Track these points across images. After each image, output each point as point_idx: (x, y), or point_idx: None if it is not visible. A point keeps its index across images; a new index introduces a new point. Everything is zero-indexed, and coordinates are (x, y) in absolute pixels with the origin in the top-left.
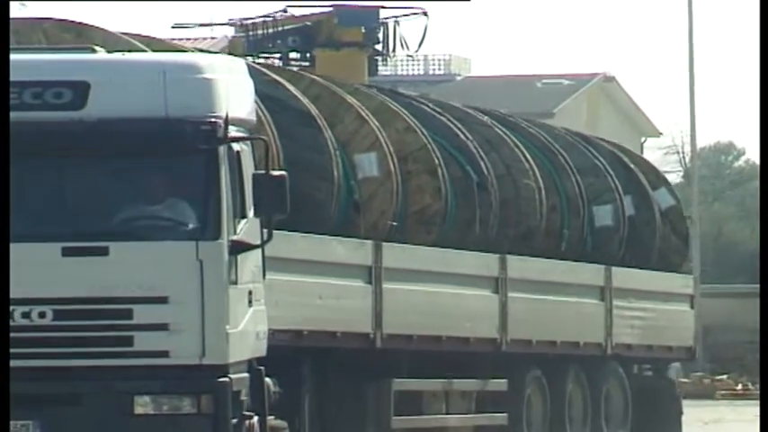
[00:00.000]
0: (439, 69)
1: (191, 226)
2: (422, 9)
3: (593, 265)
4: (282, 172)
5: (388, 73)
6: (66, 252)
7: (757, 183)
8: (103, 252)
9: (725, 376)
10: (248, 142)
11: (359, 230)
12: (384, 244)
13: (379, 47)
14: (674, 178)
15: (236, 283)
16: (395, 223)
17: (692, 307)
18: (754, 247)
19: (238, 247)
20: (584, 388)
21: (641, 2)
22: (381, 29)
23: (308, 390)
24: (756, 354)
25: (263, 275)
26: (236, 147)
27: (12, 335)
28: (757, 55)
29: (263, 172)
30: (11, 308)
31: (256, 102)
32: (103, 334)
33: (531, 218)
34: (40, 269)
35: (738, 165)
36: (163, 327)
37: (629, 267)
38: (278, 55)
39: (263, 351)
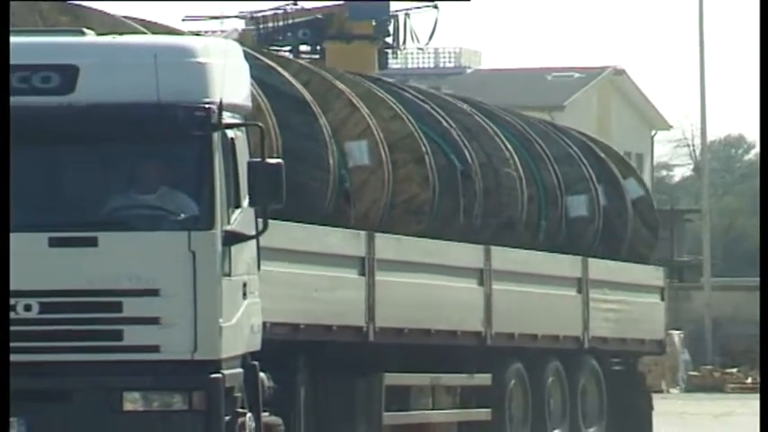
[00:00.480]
0: (449, 62)
1: (183, 215)
2: (432, 2)
3: (571, 257)
4: (278, 160)
5: (398, 66)
6: (54, 242)
7: None
8: (92, 242)
9: (735, 369)
10: (243, 129)
11: (349, 220)
12: (377, 234)
13: (389, 40)
14: (685, 171)
15: (229, 274)
16: (385, 206)
17: (662, 299)
18: None
19: (232, 238)
20: (563, 382)
21: None
22: (392, 22)
23: (303, 385)
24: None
25: (258, 267)
26: (230, 134)
27: None
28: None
29: (258, 160)
30: None
31: (254, 88)
32: (92, 328)
33: (513, 208)
34: (26, 260)
35: (748, 158)
36: (154, 320)
37: (602, 259)
38: (288, 48)
39: (258, 345)
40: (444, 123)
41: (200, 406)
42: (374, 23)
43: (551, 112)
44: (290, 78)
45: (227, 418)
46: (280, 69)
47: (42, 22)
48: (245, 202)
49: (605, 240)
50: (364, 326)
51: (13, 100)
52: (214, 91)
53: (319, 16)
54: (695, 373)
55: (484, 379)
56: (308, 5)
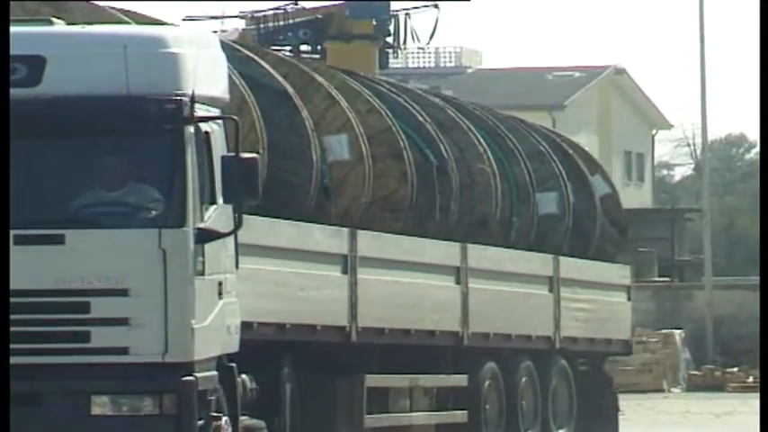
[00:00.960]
0: (450, 62)
1: (153, 212)
2: (433, 2)
3: (543, 255)
4: (253, 155)
5: (398, 66)
6: (18, 240)
7: None
8: (59, 240)
9: (736, 369)
10: (220, 123)
11: (329, 217)
12: (359, 231)
13: (390, 39)
14: (686, 171)
15: (203, 273)
16: (368, 200)
17: (629, 299)
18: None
19: (206, 236)
20: (535, 383)
21: None
22: (392, 21)
23: (287, 387)
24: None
25: (237, 265)
26: (205, 127)
27: None
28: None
29: (231, 155)
30: None
31: (238, 80)
32: (59, 329)
33: (486, 205)
34: None
35: (749, 157)
36: (122, 321)
37: (571, 257)
38: (288, 47)
39: (235, 347)
40: (419, 117)
41: (171, 410)
42: (375, 23)
43: (552, 111)
44: (271, 70)
45: (201, 422)
46: (260, 61)
47: (23, 13)
48: (221, 199)
49: (574, 238)
50: (347, 325)
51: None
52: (186, 83)
53: (320, 16)
54: (696, 373)
55: (460, 380)
56: (308, 5)
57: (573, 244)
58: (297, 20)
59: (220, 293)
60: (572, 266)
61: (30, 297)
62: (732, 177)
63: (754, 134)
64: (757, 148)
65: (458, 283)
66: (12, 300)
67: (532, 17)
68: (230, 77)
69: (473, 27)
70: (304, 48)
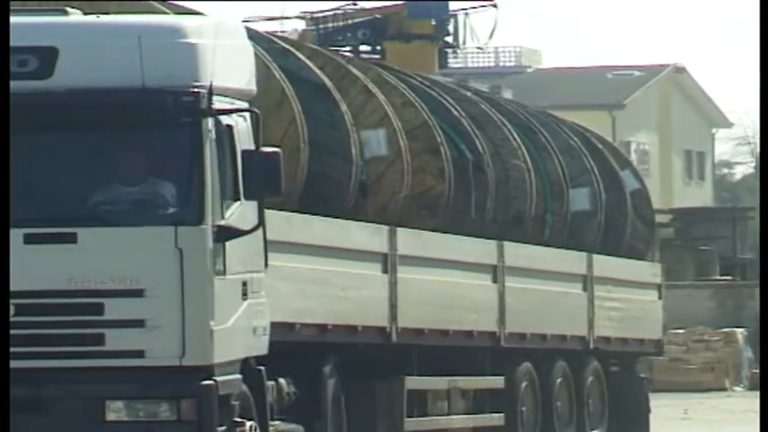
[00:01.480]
0: (509, 61)
1: (169, 209)
2: (492, 1)
3: (577, 253)
4: (275, 148)
5: (458, 65)
6: (29, 239)
7: None
8: (71, 239)
9: None
10: (246, 116)
11: (367, 214)
12: (398, 229)
13: (449, 39)
14: (746, 169)
15: (223, 273)
16: (406, 193)
17: (660, 297)
18: None
19: (226, 233)
20: (570, 384)
21: None
22: (451, 21)
23: (328, 390)
24: None
25: (265, 264)
26: (226, 121)
27: None
28: None
29: (252, 149)
30: None
31: (277, 73)
32: (71, 331)
33: (521, 201)
34: None
35: None
36: (138, 323)
37: (604, 255)
38: (348, 48)
39: (264, 349)
40: (454, 112)
41: (190, 416)
42: (434, 23)
43: (612, 110)
44: (308, 63)
45: (223, 428)
46: (296, 53)
47: (55, 3)
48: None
49: (605, 235)
50: (387, 326)
51: None
52: (204, 74)
53: (379, 16)
54: (759, 371)
55: (497, 381)
56: (367, 5)
57: (605, 241)
58: (356, 20)
59: (245, 294)
60: (605, 264)
61: (41, 298)
62: None
63: None
64: None
65: (495, 281)
66: (23, 301)
67: (592, 16)
68: (269, 70)
69: (532, 26)
70: (363, 48)
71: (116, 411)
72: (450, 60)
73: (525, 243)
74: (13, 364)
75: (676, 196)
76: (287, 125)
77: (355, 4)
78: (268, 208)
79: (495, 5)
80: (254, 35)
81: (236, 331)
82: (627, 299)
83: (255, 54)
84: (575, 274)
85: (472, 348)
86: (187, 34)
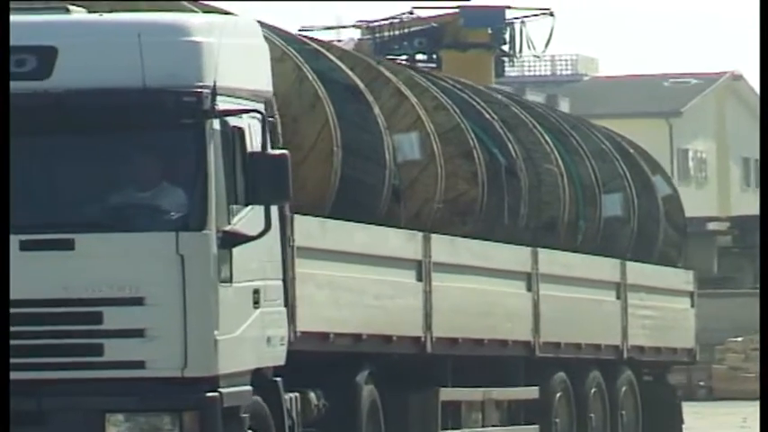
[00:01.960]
0: (566, 70)
1: (171, 214)
2: (548, 9)
3: (610, 260)
4: (283, 151)
5: (515, 74)
6: (25, 246)
7: None
8: (68, 245)
9: None
10: (263, 118)
11: (399, 220)
12: (432, 236)
13: (505, 47)
14: None
15: (229, 281)
16: (439, 205)
17: (692, 305)
18: None
19: (232, 239)
20: (603, 394)
21: None
22: (508, 29)
23: (362, 402)
24: None
25: (284, 271)
26: (235, 122)
27: None
28: None
29: (258, 151)
30: None
31: (310, 74)
32: (69, 341)
33: (554, 207)
34: None
35: None
36: (138, 333)
37: (636, 262)
38: (404, 57)
39: (281, 359)
40: (486, 115)
41: (193, 429)
42: (490, 31)
43: (669, 118)
44: (340, 64)
45: None
46: (327, 54)
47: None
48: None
49: (638, 242)
50: (422, 336)
51: None
52: (208, 73)
53: (434, 25)
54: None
55: (531, 392)
56: (423, 14)
57: (637, 248)
58: (412, 29)
59: (257, 302)
60: (638, 272)
61: (38, 307)
62: None
63: None
64: None
65: (529, 289)
66: (19, 310)
67: (649, 24)
68: (302, 71)
69: (589, 34)
70: (419, 57)
71: (116, 425)
72: (506, 69)
73: (558, 250)
74: (12, 375)
75: (734, 204)
76: (320, 128)
77: (411, 13)
78: (301, 213)
79: (551, 14)
80: (284, 36)
81: (246, 341)
82: (660, 307)
83: (287, 55)
84: (608, 282)
85: (506, 358)
86: (189, 32)
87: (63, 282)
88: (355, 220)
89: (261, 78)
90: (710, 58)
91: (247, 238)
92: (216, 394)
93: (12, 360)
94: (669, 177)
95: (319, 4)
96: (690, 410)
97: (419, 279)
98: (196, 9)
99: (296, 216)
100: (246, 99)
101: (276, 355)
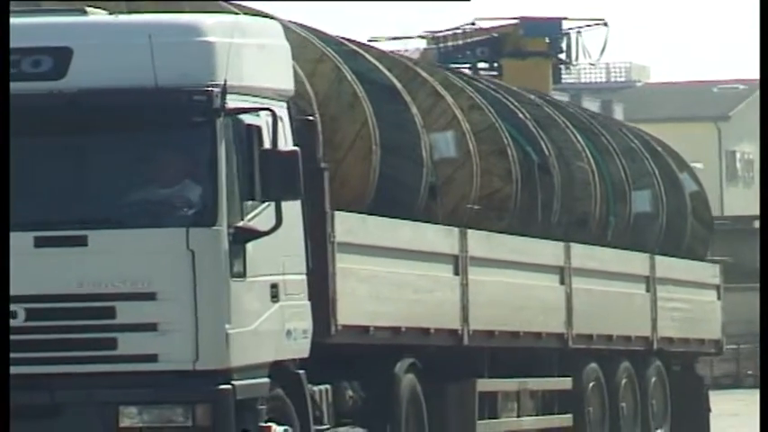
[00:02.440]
0: (620, 77)
1: (182, 211)
2: (602, 20)
3: (640, 254)
4: (294, 148)
5: (571, 80)
6: (40, 242)
7: None
8: (81, 242)
9: None
10: (283, 117)
11: (436, 217)
12: (469, 231)
13: (562, 56)
14: None
15: (243, 275)
16: (477, 207)
17: (719, 298)
18: None
19: (245, 235)
20: (634, 384)
21: None
22: (564, 39)
23: (400, 393)
24: None
25: (307, 266)
26: (250, 120)
27: None
28: None
29: (269, 148)
30: None
31: (348, 75)
32: (83, 336)
33: (586, 203)
34: (11, 262)
35: None
36: (150, 327)
37: (665, 256)
38: (468, 65)
39: (304, 352)
40: (519, 114)
41: (205, 421)
42: (548, 41)
43: (717, 122)
44: (378, 65)
45: None
46: (366, 55)
47: (125, 5)
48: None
49: (666, 237)
50: (459, 328)
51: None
52: (218, 72)
53: (495, 35)
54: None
55: (565, 383)
56: (484, 25)
57: (665, 243)
58: (474, 39)
59: (275, 296)
60: (667, 266)
61: (52, 302)
62: None
63: None
64: None
65: (562, 283)
66: (34, 305)
67: (697, 33)
68: (341, 71)
69: (641, 42)
70: (481, 65)
71: (130, 417)
72: (563, 76)
73: (590, 244)
74: (26, 369)
75: None
76: (359, 127)
77: (473, 24)
78: (341, 210)
79: (605, 24)
80: (323, 37)
81: (262, 334)
82: (688, 299)
83: (326, 56)
84: (638, 276)
85: (540, 350)
86: (201, 33)
87: (77, 277)
88: (393, 216)
89: (280, 77)
90: (757, 65)
91: (259, 234)
92: (228, 387)
93: (27, 354)
94: (696, 175)
95: (387, 15)
96: (737, 398)
97: (456, 273)
98: (237, 11)
99: (336, 212)
100: (262, 97)
101: (299, 348)
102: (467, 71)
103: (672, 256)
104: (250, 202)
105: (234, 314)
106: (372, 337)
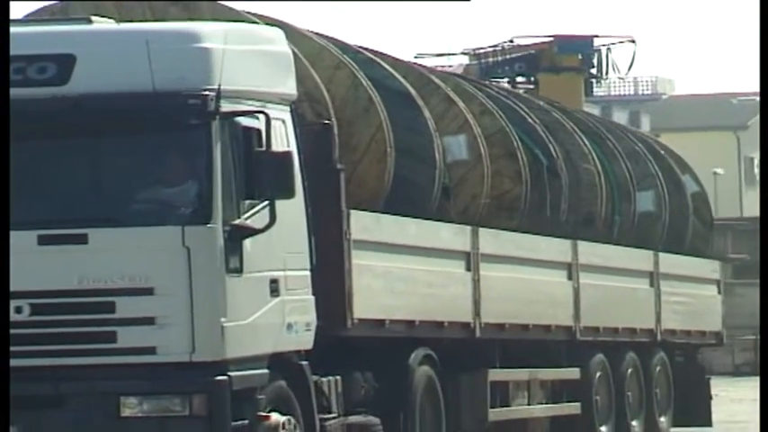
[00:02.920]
0: (647, 89)
1: (177, 210)
2: (630, 37)
3: (644, 251)
4: (287, 149)
5: (601, 93)
6: (43, 240)
7: None
8: (82, 240)
9: None
10: (287, 119)
11: (449, 216)
12: (480, 229)
13: (593, 71)
14: None
15: (239, 271)
16: (487, 200)
17: (719, 292)
18: None
19: (241, 233)
20: (639, 374)
21: None
22: (595, 55)
23: (415, 383)
24: None
25: (311, 262)
26: (247, 123)
27: None
28: None
29: (263, 149)
30: None
31: (364, 81)
32: (85, 330)
33: (592, 203)
34: (16, 259)
35: None
36: (149, 321)
37: (668, 253)
38: (506, 79)
39: (307, 344)
40: (529, 119)
41: (201, 410)
42: (580, 57)
43: (736, 131)
44: (393, 72)
45: (244, 422)
46: (381, 62)
47: (151, 14)
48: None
49: (669, 235)
50: (471, 322)
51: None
52: (213, 77)
53: (532, 52)
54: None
55: (573, 373)
56: (522, 42)
57: (668, 240)
58: (512, 55)
59: (275, 291)
60: (670, 262)
61: (55, 298)
62: None
63: None
64: None
65: (569, 278)
66: (38, 300)
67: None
68: (356, 78)
69: (667, 58)
70: (519, 79)
71: (130, 407)
72: (594, 89)
73: (596, 242)
74: (30, 362)
75: None
76: (374, 131)
77: (512, 42)
78: (358, 209)
79: (633, 41)
80: (341, 45)
81: (261, 327)
82: (690, 294)
83: (343, 63)
84: (643, 271)
85: (550, 342)
86: (196, 39)
87: (78, 274)
88: (408, 215)
89: (281, 82)
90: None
91: (254, 231)
92: (224, 378)
93: (30, 348)
94: (697, 177)
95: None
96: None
97: (468, 269)
98: (258, 21)
99: (352, 211)
100: (261, 101)
101: (301, 341)
102: (505, 84)
103: (675, 253)
104: (248, 202)
105: (230, 308)
106: (388, 330)
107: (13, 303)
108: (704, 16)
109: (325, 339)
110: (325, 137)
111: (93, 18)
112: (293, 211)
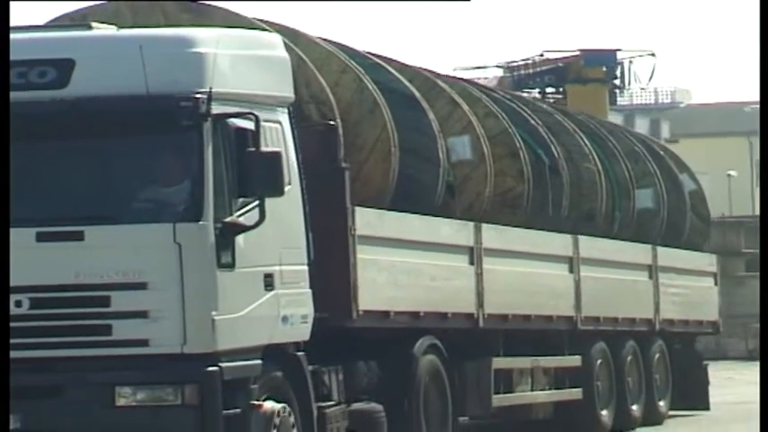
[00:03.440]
0: (666, 99)
1: (169, 207)
2: (650, 50)
3: (643, 245)
4: (276, 149)
5: (624, 103)
6: (41, 237)
7: None
8: (78, 237)
9: None
10: (283, 121)
11: (454, 213)
12: (483, 225)
13: (617, 81)
14: None
15: (231, 266)
16: (489, 196)
17: (716, 284)
18: None
19: (232, 229)
20: (639, 361)
21: None
22: (619, 67)
23: (416, 372)
24: None
25: (308, 257)
26: (239, 124)
27: None
28: None
29: (253, 149)
30: None
31: (370, 85)
32: (81, 323)
33: (593, 200)
34: (16, 255)
35: None
36: (142, 314)
37: (667, 247)
38: (536, 90)
39: (304, 336)
40: (531, 121)
41: (193, 400)
42: (605, 69)
43: (749, 136)
44: (399, 76)
45: (237, 411)
46: (387, 67)
47: (165, 20)
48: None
49: (667, 230)
50: (475, 313)
51: (11, 95)
52: (205, 80)
53: (561, 65)
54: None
55: (574, 360)
56: (551, 56)
57: (667, 235)
58: (542, 68)
59: (269, 285)
60: (668, 255)
61: (52, 292)
62: None
63: None
64: None
65: (571, 271)
66: (36, 295)
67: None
68: (362, 81)
69: (685, 69)
70: (549, 90)
71: (124, 397)
72: (618, 99)
73: (597, 237)
74: (29, 353)
75: None
76: (379, 131)
77: (542, 56)
78: (364, 206)
79: (653, 54)
80: (349, 51)
81: (254, 320)
82: (687, 285)
83: (349, 68)
84: (642, 264)
85: (552, 331)
86: (189, 44)
87: (74, 269)
88: (413, 212)
89: (278, 85)
90: None
91: (245, 228)
92: (215, 368)
93: (28, 340)
94: (695, 175)
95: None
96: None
97: (471, 263)
98: (268, 28)
99: (357, 208)
100: (255, 103)
101: (297, 333)
102: (536, 95)
103: (673, 247)
104: (240, 200)
105: (221, 302)
106: (392, 321)
107: (12, 297)
108: (718, 32)
109: (330, 330)
110: (331, 137)
111: (93, 24)
112: (289, 207)
